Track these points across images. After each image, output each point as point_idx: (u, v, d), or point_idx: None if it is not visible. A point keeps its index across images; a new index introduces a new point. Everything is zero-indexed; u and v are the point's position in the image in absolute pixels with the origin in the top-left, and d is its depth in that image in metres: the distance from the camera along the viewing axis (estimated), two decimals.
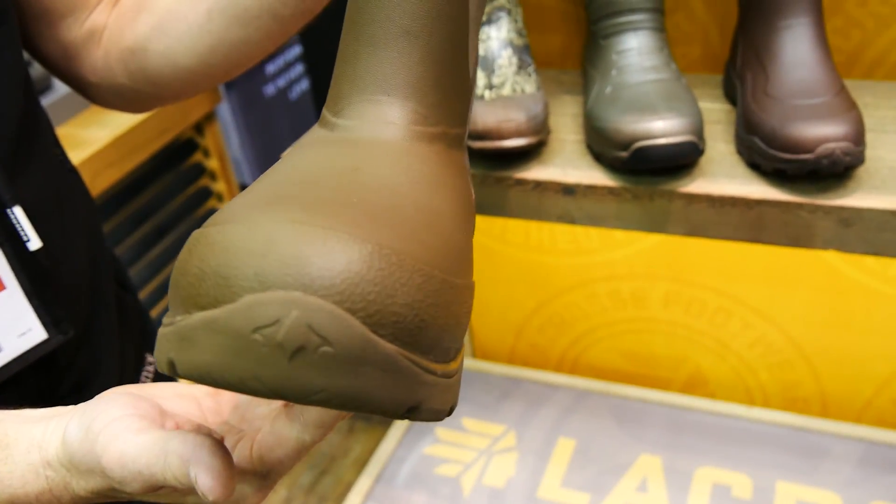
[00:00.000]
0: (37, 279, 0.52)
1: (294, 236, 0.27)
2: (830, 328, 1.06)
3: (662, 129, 0.68)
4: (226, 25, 0.55)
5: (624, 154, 0.70)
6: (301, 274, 0.26)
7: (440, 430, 1.26)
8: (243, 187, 1.82)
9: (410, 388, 0.29)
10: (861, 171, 0.69)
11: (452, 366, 0.32)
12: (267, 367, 0.26)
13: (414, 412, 0.29)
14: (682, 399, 1.14)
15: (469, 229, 0.36)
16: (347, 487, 1.30)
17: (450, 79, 0.37)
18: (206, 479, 0.32)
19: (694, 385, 1.20)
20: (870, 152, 0.72)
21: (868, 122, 0.76)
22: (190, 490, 0.34)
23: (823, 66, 0.70)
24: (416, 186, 0.33)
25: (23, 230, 0.52)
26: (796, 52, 0.70)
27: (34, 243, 0.52)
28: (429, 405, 0.29)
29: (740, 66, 0.76)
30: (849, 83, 0.84)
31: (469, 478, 1.15)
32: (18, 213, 0.51)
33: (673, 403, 1.13)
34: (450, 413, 0.32)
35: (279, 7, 0.54)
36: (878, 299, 1.02)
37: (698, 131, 0.69)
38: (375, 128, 0.36)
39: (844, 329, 1.06)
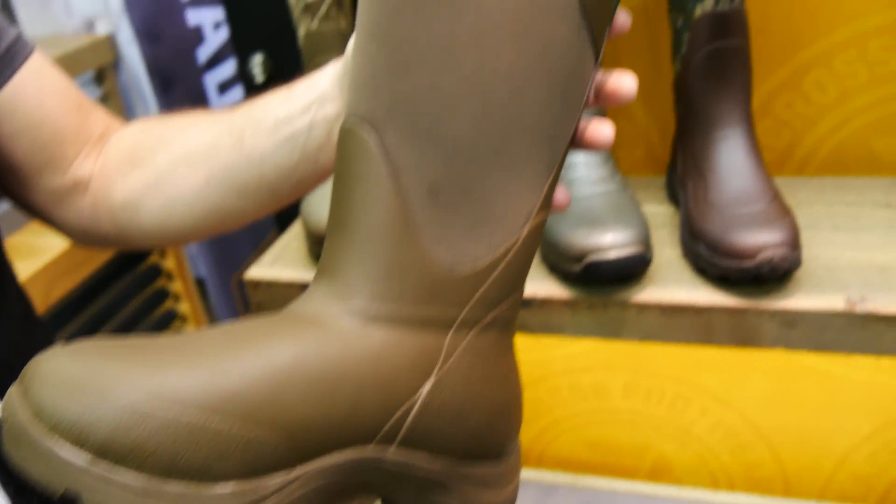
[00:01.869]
0: None
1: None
2: (787, 409, 1.09)
3: (612, 241, 0.72)
4: (222, 195, 0.55)
5: (577, 267, 0.73)
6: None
7: None
8: (199, 282, 1.82)
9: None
10: (800, 273, 0.73)
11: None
12: None
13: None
14: (649, 487, 1.16)
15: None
16: None
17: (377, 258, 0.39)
18: None
19: (659, 472, 1.22)
20: (806, 251, 0.76)
21: (802, 219, 0.80)
22: None
23: (757, 174, 0.74)
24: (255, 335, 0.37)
25: None
26: (732, 161, 0.75)
27: None
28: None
29: (681, 172, 0.80)
30: (782, 180, 0.88)
31: None
32: None
33: (640, 492, 1.15)
34: None
35: (278, 184, 0.54)
36: (831, 379, 1.06)
37: (645, 241, 0.73)
38: (298, 305, 0.40)
39: (801, 409, 1.09)
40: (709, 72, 0.74)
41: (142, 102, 1.68)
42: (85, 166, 0.59)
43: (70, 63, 1.59)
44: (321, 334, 0.37)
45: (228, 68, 1.76)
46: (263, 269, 0.88)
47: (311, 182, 0.55)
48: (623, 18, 0.44)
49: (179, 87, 1.68)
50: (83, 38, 1.73)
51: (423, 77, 0.37)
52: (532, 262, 0.43)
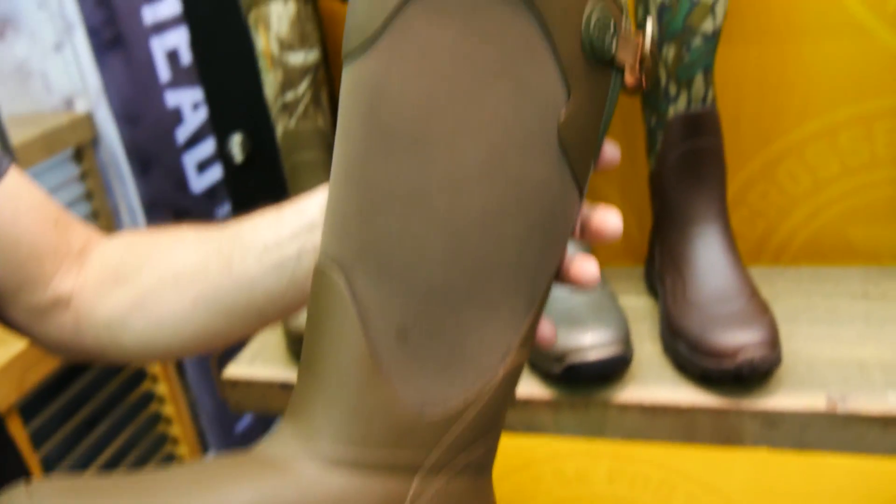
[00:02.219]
0: None
1: None
2: (773, 496, 1.08)
3: (591, 342, 0.71)
4: (210, 317, 0.55)
5: (557, 368, 0.72)
6: None
7: None
8: (181, 371, 1.80)
9: None
10: (781, 370, 0.73)
11: None
12: None
13: None
14: None
15: None
16: None
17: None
18: None
19: None
20: (786, 346, 0.76)
21: (780, 311, 0.80)
22: None
23: (735, 271, 0.74)
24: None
25: None
26: (709, 258, 0.75)
27: None
28: None
29: (659, 267, 0.81)
30: (758, 270, 0.89)
31: None
32: None
33: None
34: None
35: (267, 308, 0.54)
36: (815, 468, 1.05)
37: (625, 340, 0.73)
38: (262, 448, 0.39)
39: (786, 497, 1.08)
40: (683, 170, 0.75)
41: (120, 182, 1.67)
42: (65, 283, 0.58)
43: (49, 141, 1.59)
44: (281, 479, 0.37)
45: (207, 148, 1.76)
46: (241, 368, 0.87)
47: (299, 306, 0.54)
48: (611, 151, 0.45)
49: (158, 167, 1.68)
50: (62, 115, 1.73)
51: (391, 221, 0.37)
52: (510, 402, 0.42)
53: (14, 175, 0.58)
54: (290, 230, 0.53)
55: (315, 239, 0.52)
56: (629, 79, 0.41)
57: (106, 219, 1.70)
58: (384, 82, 0.37)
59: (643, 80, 0.41)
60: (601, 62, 0.38)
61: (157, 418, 1.66)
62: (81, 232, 0.61)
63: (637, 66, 0.40)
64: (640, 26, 0.47)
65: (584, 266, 0.44)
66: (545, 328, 0.45)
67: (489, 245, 0.38)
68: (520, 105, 0.37)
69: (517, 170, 0.38)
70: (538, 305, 0.41)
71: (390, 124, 0.37)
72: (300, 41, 0.80)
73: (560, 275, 0.44)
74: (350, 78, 0.38)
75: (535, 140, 0.38)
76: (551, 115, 0.37)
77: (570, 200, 0.40)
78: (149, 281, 0.56)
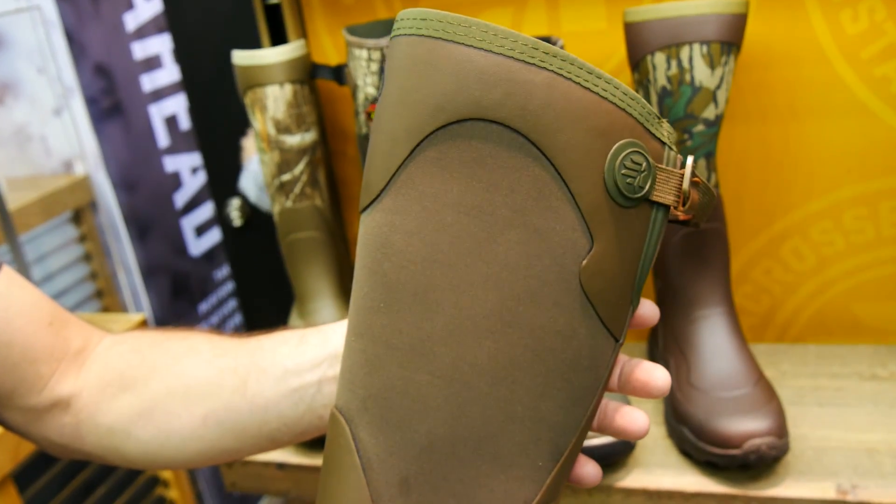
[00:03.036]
0: None
1: None
2: None
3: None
4: (220, 435, 0.53)
5: None
6: None
7: None
8: None
9: None
10: (789, 456, 0.71)
11: None
12: None
13: None
14: None
15: None
16: None
17: None
18: None
19: None
20: (793, 430, 0.74)
21: (786, 393, 0.79)
22: None
23: (741, 356, 0.73)
24: None
25: None
26: (713, 342, 0.74)
27: None
28: None
29: (662, 349, 0.79)
30: (764, 347, 0.87)
31: None
32: None
33: None
34: None
35: (279, 433, 0.52)
36: None
37: None
38: None
39: None
40: (686, 253, 0.74)
41: (118, 245, 1.67)
42: (63, 385, 0.56)
43: (48, 203, 1.59)
44: None
45: (206, 211, 1.76)
46: None
47: (315, 433, 0.53)
48: (650, 310, 0.44)
49: (157, 231, 1.68)
50: (61, 178, 1.73)
51: (393, 373, 0.37)
52: None
53: (6, 275, 0.56)
54: (312, 359, 0.51)
55: (336, 370, 0.51)
56: (678, 214, 0.40)
57: (105, 280, 1.69)
58: (388, 237, 0.37)
59: (693, 215, 0.40)
60: (633, 204, 0.37)
61: (155, 482, 1.63)
62: (80, 331, 0.58)
63: (680, 202, 0.38)
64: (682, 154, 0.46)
65: (632, 417, 0.43)
66: (589, 469, 0.44)
67: (500, 397, 0.37)
68: (533, 254, 0.36)
69: (532, 320, 0.37)
70: (566, 458, 0.39)
71: (392, 277, 0.37)
72: (297, 123, 0.80)
73: (601, 425, 0.44)
74: (361, 231, 0.39)
75: (552, 289, 0.37)
76: (571, 262, 0.36)
77: (601, 350, 0.39)
78: (157, 391, 0.54)
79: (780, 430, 0.67)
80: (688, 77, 0.67)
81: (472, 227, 0.36)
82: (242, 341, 0.55)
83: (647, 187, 0.37)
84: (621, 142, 0.36)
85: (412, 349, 0.37)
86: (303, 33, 0.94)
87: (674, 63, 0.67)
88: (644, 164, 0.37)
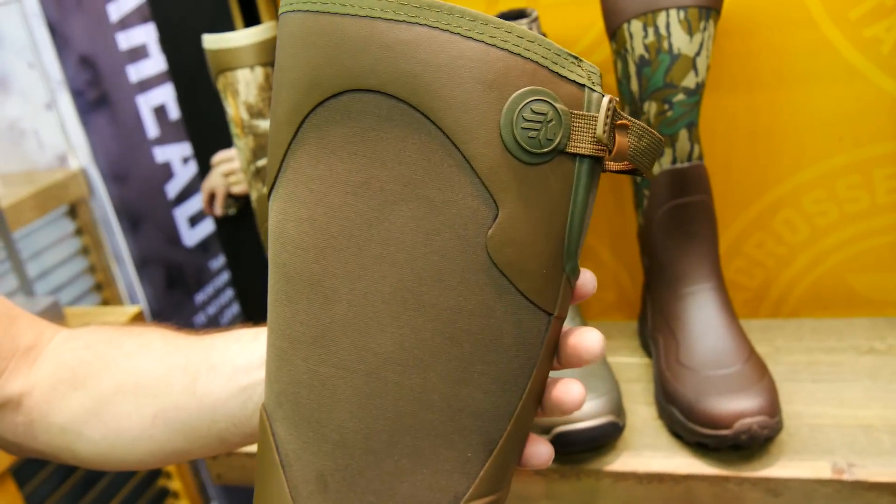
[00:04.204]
0: None
1: None
2: None
3: (581, 412, 0.68)
4: (169, 435, 0.51)
5: (547, 437, 0.69)
6: None
7: None
8: None
9: None
10: (783, 434, 0.69)
11: None
12: None
13: None
14: None
15: None
16: None
17: None
18: None
19: None
20: (787, 408, 0.72)
21: (781, 369, 0.77)
22: None
23: (731, 332, 0.70)
24: None
25: None
26: (702, 319, 0.71)
27: None
28: None
29: (651, 327, 0.77)
30: (758, 323, 0.85)
31: None
32: None
33: None
34: None
35: (229, 433, 0.50)
36: None
37: (617, 409, 0.69)
38: None
39: None
40: (671, 227, 0.71)
41: (111, 238, 1.65)
42: (14, 383, 0.54)
43: (43, 198, 1.57)
44: None
45: (198, 201, 1.74)
46: None
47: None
48: (588, 280, 0.40)
49: (149, 223, 1.67)
50: (56, 172, 1.72)
51: (299, 367, 0.35)
52: None
53: None
54: (262, 356, 0.49)
55: None
56: (612, 165, 0.36)
57: (103, 273, 1.68)
58: (283, 225, 0.35)
59: (632, 162, 0.35)
60: (543, 159, 0.33)
61: (157, 474, 1.62)
62: (31, 327, 0.56)
63: (604, 150, 0.34)
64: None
65: (567, 389, 0.39)
66: (539, 449, 0.41)
67: (412, 386, 0.34)
68: (431, 229, 0.33)
69: (438, 301, 0.33)
70: (502, 447, 0.36)
71: (290, 268, 0.35)
72: (270, 108, 0.78)
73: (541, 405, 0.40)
74: (268, 222, 0.37)
75: (457, 265, 0.33)
76: (474, 233, 0.33)
77: (527, 327, 0.35)
78: (108, 388, 0.52)
79: (772, 409, 0.65)
80: (665, 44, 0.65)
81: (361, 207, 0.33)
82: (197, 338, 0.53)
83: (557, 139, 0.33)
84: (519, 91, 0.32)
85: (314, 341, 0.35)
86: (276, 15, 0.91)
87: (650, 31, 0.65)
88: (550, 113, 0.32)
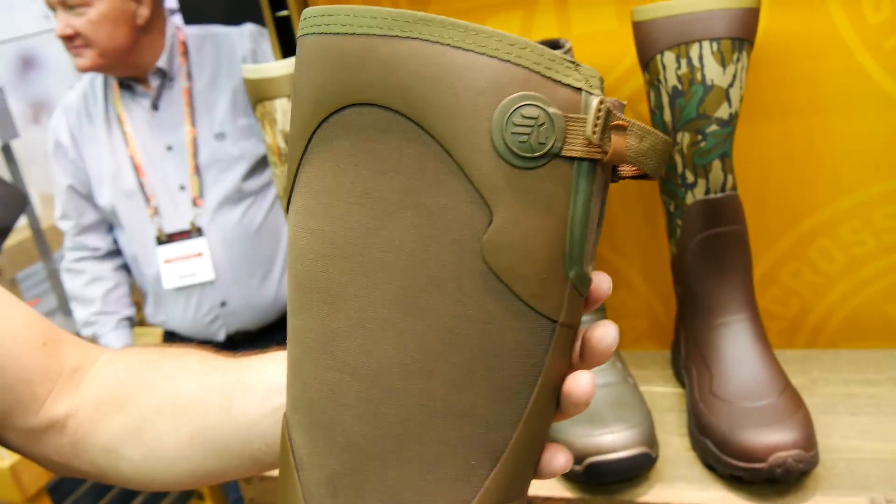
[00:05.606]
0: None
1: None
2: None
3: (612, 443, 0.67)
4: (204, 455, 0.52)
5: (578, 468, 0.69)
6: None
7: None
8: None
9: None
10: (819, 468, 0.68)
11: None
12: None
13: None
14: None
15: None
16: None
17: None
18: None
19: None
20: (823, 442, 0.71)
21: (817, 402, 0.76)
22: None
23: (766, 364, 0.70)
24: None
25: None
26: (736, 350, 0.71)
27: None
28: None
29: (685, 357, 0.77)
30: (792, 354, 0.84)
31: None
32: None
33: None
34: None
35: (262, 454, 0.51)
36: None
37: (649, 440, 0.69)
38: None
39: None
40: (705, 258, 0.71)
41: None
42: (59, 406, 0.55)
43: None
44: None
45: None
46: None
47: None
48: (603, 281, 0.39)
49: None
50: None
51: (309, 373, 0.36)
52: None
53: None
54: None
55: None
56: (625, 171, 0.36)
57: (136, 293, 1.70)
58: (296, 237, 0.36)
59: (632, 164, 0.35)
60: (536, 164, 0.33)
61: (189, 495, 1.63)
62: (75, 349, 0.57)
63: (599, 152, 0.34)
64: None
65: (576, 382, 0.38)
66: (558, 458, 0.40)
67: (415, 392, 0.34)
68: (428, 235, 0.33)
69: (437, 306, 0.34)
70: (508, 456, 0.36)
71: (302, 278, 0.36)
72: None
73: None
74: None
75: (454, 271, 0.33)
76: (470, 239, 0.33)
77: (530, 333, 0.35)
78: (148, 409, 0.53)
79: (808, 443, 0.64)
80: (698, 76, 0.65)
81: (363, 216, 0.34)
82: (234, 360, 0.54)
83: (549, 142, 0.33)
84: (509, 97, 0.32)
85: (322, 347, 0.35)
86: None
87: (683, 62, 0.65)
88: (542, 117, 0.32)
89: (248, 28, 1.52)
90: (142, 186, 1.48)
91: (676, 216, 0.72)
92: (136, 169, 1.48)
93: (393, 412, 0.34)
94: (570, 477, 0.71)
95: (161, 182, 1.48)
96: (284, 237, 1.54)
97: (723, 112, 0.66)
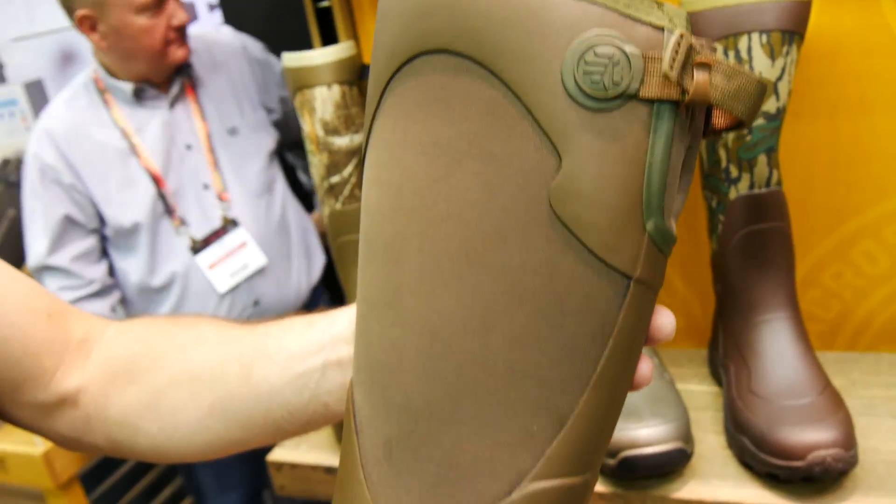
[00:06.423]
0: None
1: None
2: None
3: (648, 437, 0.67)
4: (226, 426, 0.51)
5: (612, 462, 0.68)
6: None
7: None
8: None
9: None
10: (858, 469, 0.67)
11: None
12: None
13: None
14: None
15: None
16: None
17: None
18: None
19: None
20: (863, 442, 0.70)
21: (857, 404, 0.74)
22: None
23: (806, 363, 0.69)
24: None
25: None
26: (776, 348, 0.70)
27: None
28: None
29: (723, 355, 0.76)
30: (833, 356, 0.83)
31: None
32: None
33: None
34: None
35: (285, 421, 0.51)
36: None
37: (685, 435, 0.68)
38: None
39: None
40: (746, 254, 0.70)
41: None
42: (69, 379, 0.54)
43: None
44: None
45: None
46: (287, 451, 0.84)
47: (319, 423, 0.51)
48: (666, 324, 0.37)
49: None
50: None
51: (373, 330, 0.35)
52: None
53: None
54: (317, 342, 0.49)
55: (340, 353, 0.49)
56: (718, 121, 0.34)
57: None
58: (367, 192, 0.36)
59: (720, 107, 0.32)
60: (609, 105, 0.31)
61: None
62: (80, 321, 0.56)
63: (676, 93, 0.31)
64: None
65: (660, 320, 0.37)
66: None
67: (475, 349, 0.33)
68: (495, 184, 0.32)
69: (502, 258, 0.32)
70: (577, 423, 0.33)
71: (369, 232, 0.35)
72: (345, 125, 0.79)
73: None
74: None
75: (520, 220, 0.32)
76: (537, 186, 0.31)
77: (599, 288, 0.32)
78: (163, 382, 0.53)
79: (848, 442, 0.63)
80: (747, 68, 0.64)
81: (429, 166, 0.33)
82: (251, 328, 0.53)
83: (624, 82, 0.30)
84: (582, 36, 0.30)
85: (385, 303, 0.34)
86: (353, 35, 0.93)
87: (731, 54, 0.64)
88: (616, 55, 0.30)
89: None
90: (163, 198, 1.41)
91: (718, 212, 0.71)
92: (156, 180, 1.40)
93: (452, 370, 0.33)
94: (602, 471, 0.70)
95: (184, 185, 1.43)
96: (295, 233, 1.52)
97: (770, 106, 0.65)
